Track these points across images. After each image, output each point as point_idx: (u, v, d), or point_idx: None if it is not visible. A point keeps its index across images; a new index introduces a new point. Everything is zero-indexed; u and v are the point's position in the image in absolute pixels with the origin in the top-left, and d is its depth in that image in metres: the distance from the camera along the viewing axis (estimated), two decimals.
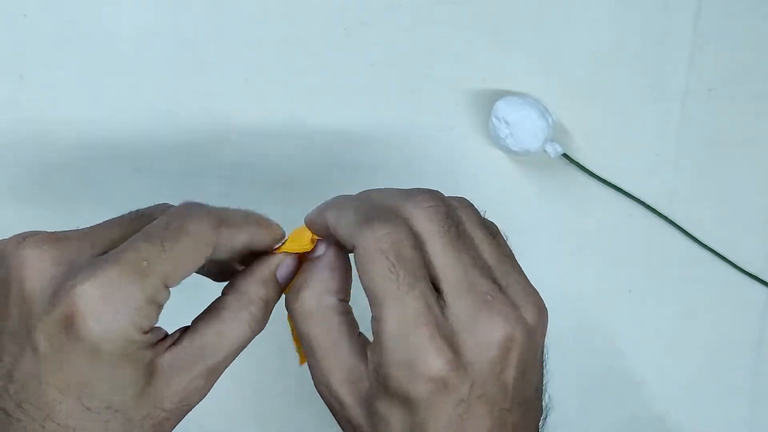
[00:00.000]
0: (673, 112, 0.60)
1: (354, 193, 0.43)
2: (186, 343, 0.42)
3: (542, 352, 0.43)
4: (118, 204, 0.44)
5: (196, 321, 0.43)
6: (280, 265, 0.44)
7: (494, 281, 0.41)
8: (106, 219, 0.43)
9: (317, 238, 0.44)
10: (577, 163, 0.60)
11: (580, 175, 0.60)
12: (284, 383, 0.60)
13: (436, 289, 0.40)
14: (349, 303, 0.44)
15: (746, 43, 0.60)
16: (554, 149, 0.57)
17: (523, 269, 0.42)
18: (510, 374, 0.40)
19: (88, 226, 0.42)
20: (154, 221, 0.41)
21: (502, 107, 0.57)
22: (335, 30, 0.59)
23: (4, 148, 0.58)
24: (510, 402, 0.40)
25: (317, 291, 0.43)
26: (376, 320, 0.40)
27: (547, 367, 0.44)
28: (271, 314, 0.44)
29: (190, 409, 0.42)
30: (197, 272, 0.43)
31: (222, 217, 0.42)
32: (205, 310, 0.43)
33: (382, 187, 0.43)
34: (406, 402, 0.39)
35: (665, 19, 0.60)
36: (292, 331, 0.44)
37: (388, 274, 0.39)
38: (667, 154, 0.60)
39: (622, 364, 0.61)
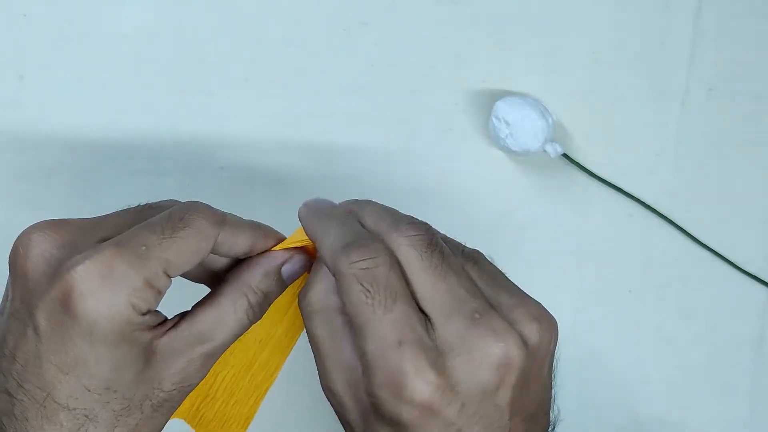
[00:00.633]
0: (673, 112, 0.60)
1: (354, 195, 0.44)
2: (184, 327, 0.42)
3: (550, 366, 0.42)
4: (118, 204, 0.44)
5: (196, 307, 0.43)
6: (288, 262, 0.44)
7: (484, 300, 0.40)
8: None
9: None
10: (577, 163, 0.60)
11: (580, 175, 0.60)
12: (294, 384, 0.59)
13: (425, 315, 0.40)
14: None
15: (746, 43, 0.60)
16: (554, 149, 0.57)
17: (518, 283, 0.42)
18: (506, 393, 0.39)
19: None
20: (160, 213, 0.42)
21: (502, 107, 0.57)
22: (335, 30, 0.59)
23: (4, 148, 0.58)
24: (509, 419, 0.40)
25: (323, 291, 0.43)
26: (359, 345, 0.40)
27: (556, 379, 0.43)
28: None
29: (190, 391, 0.43)
30: (196, 281, 0.44)
31: (225, 217, 0.43)
32: (205, 297, 0.44)
33: (376, 206, 0.43)
34: (398, 425, 0.39)
35: (665, 19, 0.60)
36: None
37: (363, 298, 0.39)
38: (667, 154, 0.60)
39: (622, 364, 0.61)
